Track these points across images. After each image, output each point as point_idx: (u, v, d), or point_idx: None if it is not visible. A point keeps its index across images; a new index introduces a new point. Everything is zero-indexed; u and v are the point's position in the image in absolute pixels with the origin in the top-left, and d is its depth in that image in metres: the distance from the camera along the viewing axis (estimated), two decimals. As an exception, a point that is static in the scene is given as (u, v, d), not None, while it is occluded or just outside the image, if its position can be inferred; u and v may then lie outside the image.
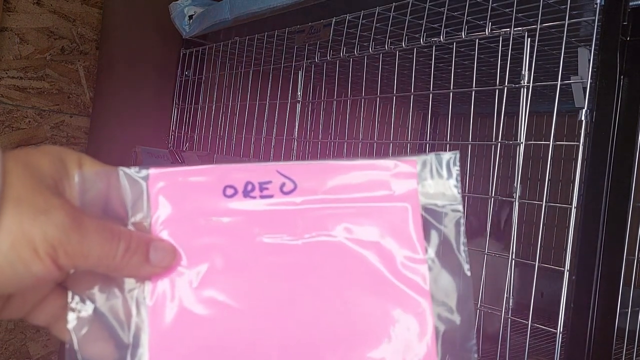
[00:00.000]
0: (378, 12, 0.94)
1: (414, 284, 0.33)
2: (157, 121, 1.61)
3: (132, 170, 0.34)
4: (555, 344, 0.68)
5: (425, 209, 0.34)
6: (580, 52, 0.79)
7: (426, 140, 1.83)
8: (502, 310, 0.74)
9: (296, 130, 1.12)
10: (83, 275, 0.34)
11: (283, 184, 0.34)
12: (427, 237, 0.34)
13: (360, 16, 0.97)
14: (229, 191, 0.34)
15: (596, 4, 0.67)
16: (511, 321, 0.73)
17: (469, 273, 0.33)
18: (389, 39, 0.94)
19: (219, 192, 0.34)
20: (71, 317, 0.33)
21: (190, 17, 1.40)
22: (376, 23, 0.95)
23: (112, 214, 0.34)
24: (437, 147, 1.85)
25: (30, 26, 1.61)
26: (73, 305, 0.34)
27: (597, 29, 0.67)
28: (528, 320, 0.71)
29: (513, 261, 0.74)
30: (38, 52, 1.63)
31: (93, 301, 0.34)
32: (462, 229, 0.34)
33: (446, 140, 1.75)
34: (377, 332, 0.33)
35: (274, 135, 1.15)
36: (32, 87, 1.63)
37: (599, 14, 0.67)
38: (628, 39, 0.66)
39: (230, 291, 0.33)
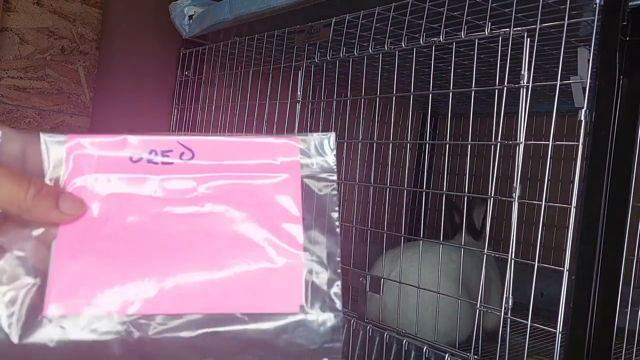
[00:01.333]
0: (378, 12, 0.94)
1: (291, 239, 0.39)
2: (157, 121, 1.61)
3: (51, 135, 0.39)
4: (555, 344, 0.68)
5: (306, 178, 0.40)
6: (580, 52, 0.79)
7: (426, 140, 1.83)
8: (501, 310, 0.74)
9: (296, 130, 1.12)
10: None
11: (182, 153, 0.39)
12: (305, 202, 0.40)
13: (360, 16, 0.97)
14: (135, 156, 0.39)
15: (596, 4, 0.67)
16: (511, 321, 0.73)
17: (337, 231, 0.39)
18: (388, 39, 0.95)
19: (126, 157, 0.39)
20: None
21: (190, 17, 1.40)
22: (376, 23, 0.95)
23: (29, 171, 0.38)
24: (437, 147, 1.85)
25: (30, 26, 1.62)
26: None
27: (596, 29, 0.67)
28: (528, 320, 0.71)
29: (512, 261, 0.74)
30: (38, 52, 1.63)
31: (5, 242, 0.37)
32: (335, 195, 0.40)
33: (446, 140, 1.75)
34: (254, 278, 0.38)
35: (274, 135, 1.15)
36: (32, 87, 1.63)
37: (598, 14, 0.67)
38: (628, 39, 0.66)
39: (130, 238, 0.38)
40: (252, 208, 0.39)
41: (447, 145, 0.96)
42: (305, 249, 0.39)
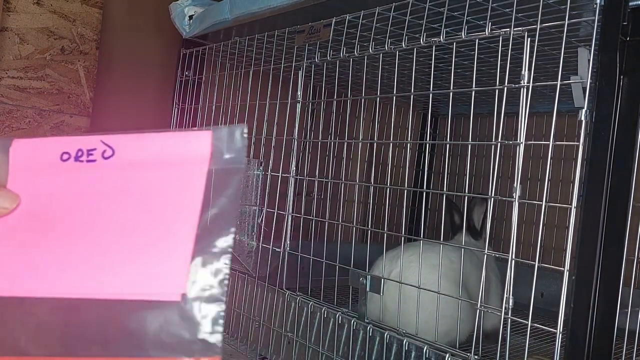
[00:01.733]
0: (378, 12, 0.94)
1: (185, 229, 0.40)
2: (157, 121, 1.61)
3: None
4: (555, 344, 0.68)
5: (216, 170, 0.42)
6: (580, 52, 0.79)
7: (426, 140, 1.83)
8: (501, 310, 0.74)
9: (296, 130, 1.12)
10: None
11: (104, 151, 0.43)
12: (210, 193, 0.41)
13: (360, 16, 0.97)
14: (65, 156, 0.44)
15: (596, 4, 0.67)
16: (511, 321, 0.73)
17: (234, 222, 0.40)
18: (389, 39, 0.95)
19: (57, 156, 0.44)
20: None
21: (191, 17, 1.40)
22: (376, 23, 0.95)
23: None
24: (437, 147, 1.85)
25: (30, 26, 1.61)
26: None
27: (597, 29, 0.67)
28: (528, 321, 0.71)
29: (513, 261, 0.74)
30: (38, 52, 1.63)
31: None
32: (240, 188, 0.42)
33: (446, 141, 1.75)
34: (138, 264, 0.40)
35: (274, 135, 1.15)
36: (32, 87, 1.63)
37: (599, 14, 0.67)
38: (628, 39, 0.66)
39: (43, 229, 0.42)
40: (155, 199, 0.42)
41: (447, 146, 0.96)
42: (199, 240, 0.40)
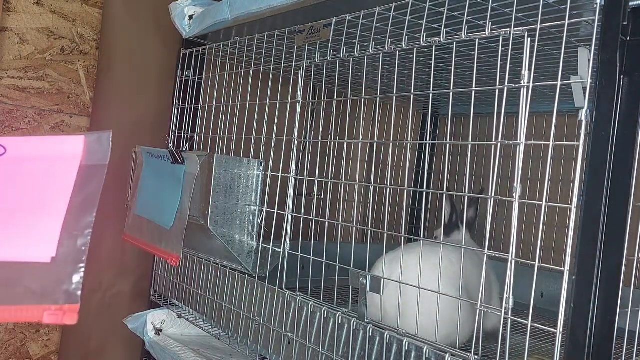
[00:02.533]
0: (378, 12, 0.94)
1: (60, 210, 0.50)
2: (157, 121, 1.61)
3: None
4: (555, 344, 0.68)
5: (87, 165, 0.53)
6: (580, 52, 0.79)
7: (426, 140, 1.83)
8: (501, 310, 0.74)
9: (296, 130, 1.12)
10: None
11: None
12: (81, 182, 0.52)
13: (360, 16, 0.97)
14: None
15: (596, 4, 0.67)
16: (511, 321, 0.73)
17: (95, 205, 0.51)
18: (389, 39, 0.94)
19: None
20: None
21: (191, 17, 1.40)
22: (376, 23, 0.95)
23: None
24: (437, 147, 1.85)
25: (30, 26, 1.61)
26: None
27: (597, 29, 0.67)
28: (528, 321, 0.71)
29: (513, 261, 0.74)
30: (38, 52, 1.63)
31: None
32: (104, 177, 0.52)
33: (446, 141, 1.75)
34: (24, 237, 0.50)
35: (274, 136, 1.15)
36: (32, 87, 1.63)
37: (599, 14, 0.67)
38: (628, 39, 0.66)
39: None
40: (36, 186, 0.52)
41: (447, 146, 0.96)
42: (68, 217, 0.50)
